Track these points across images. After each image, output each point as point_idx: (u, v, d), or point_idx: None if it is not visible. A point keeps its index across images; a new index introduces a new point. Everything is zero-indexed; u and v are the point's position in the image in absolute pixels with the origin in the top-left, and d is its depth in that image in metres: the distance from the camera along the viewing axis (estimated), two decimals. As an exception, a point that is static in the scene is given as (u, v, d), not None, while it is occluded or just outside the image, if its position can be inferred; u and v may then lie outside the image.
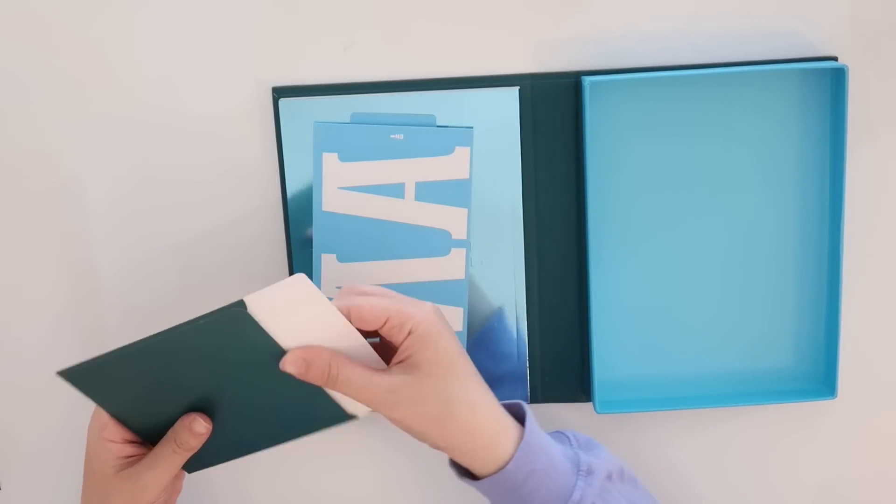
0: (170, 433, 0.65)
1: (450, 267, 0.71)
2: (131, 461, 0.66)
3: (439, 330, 0.62)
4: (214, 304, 0.76)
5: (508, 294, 0.73)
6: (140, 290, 0.76)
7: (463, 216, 0.70)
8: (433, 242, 0.71)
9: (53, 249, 0.75)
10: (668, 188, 0.73)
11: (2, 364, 0.78)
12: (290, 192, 0.72)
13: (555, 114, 0.72)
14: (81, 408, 0.79)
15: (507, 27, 0.71)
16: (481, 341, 0.74)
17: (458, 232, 0.71)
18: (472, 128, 0.70)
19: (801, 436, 0.78)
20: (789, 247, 0.74)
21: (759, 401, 0.75)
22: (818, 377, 0.75)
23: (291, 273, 0.74)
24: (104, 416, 0.66)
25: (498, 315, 0.74)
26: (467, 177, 0.70)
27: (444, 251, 0.71)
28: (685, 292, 0.74)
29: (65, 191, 0.74)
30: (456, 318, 0.72)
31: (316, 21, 0.72)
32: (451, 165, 0.70)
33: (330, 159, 0.70)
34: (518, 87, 0.71)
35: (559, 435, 0.70)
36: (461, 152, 0.70)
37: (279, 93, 0.72)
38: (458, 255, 0.71)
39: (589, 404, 0.77)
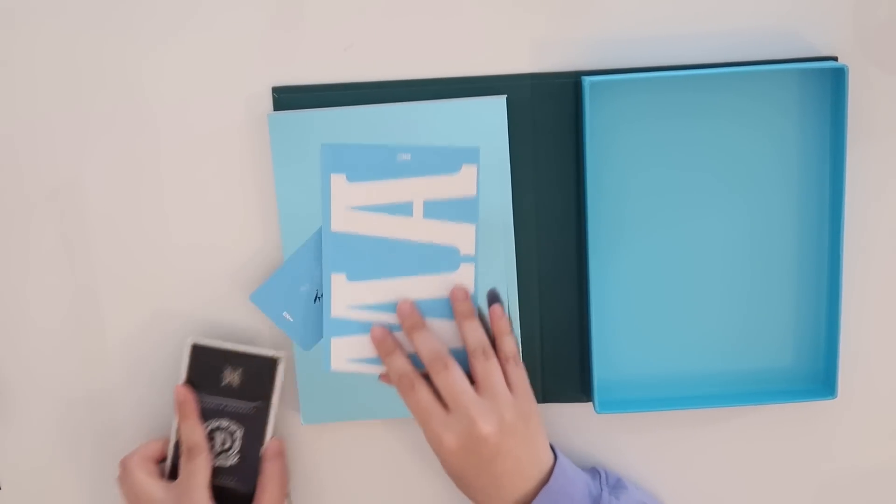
0: None
1: (459, 282, 0.72)
2: None
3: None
4: (213, 306, 0.76)
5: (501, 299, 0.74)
6: (139, 293, 0.76)
7: (471, 232, 0.71)
8: (442, 259, 0.71)
9: (52, 254, 0.75)
10: (667, 188, 0.73)
11: (1, 365, 0.78)
12: (280, 201, 0.73)
13: (555, 114, 0.72)
14: (80, 409, 0.79)
15: (506, 27, 0.71)
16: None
17: (467, 248, 0.71)
18: (478, 147, 0.70)
19: (801, 436, 0.78)
20: (789, 246, 0.74)
21: (759, 401, 0.75)
22: (818, 377, 0.75)
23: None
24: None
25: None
26: (474, 194, 0.70)
27: (453, 267, 0.71)
28: (685, 293, 0.74)
29: (64, 194, 0.74)
30: None
31: (316, 22, 0.72)
32: (459, 183, 0.70)
33: (338, 180, 0.70)
34: (505, 96, 0.71)
35: (592, 471, 0.75)
36: (468, 170, 0.70)
37: (279, 92, 0.72)
38: (467, 270, 0.72)
39: (589, 404, 0.77)
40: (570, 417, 0.77)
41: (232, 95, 0.73)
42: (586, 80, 0.69)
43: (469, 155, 0.70)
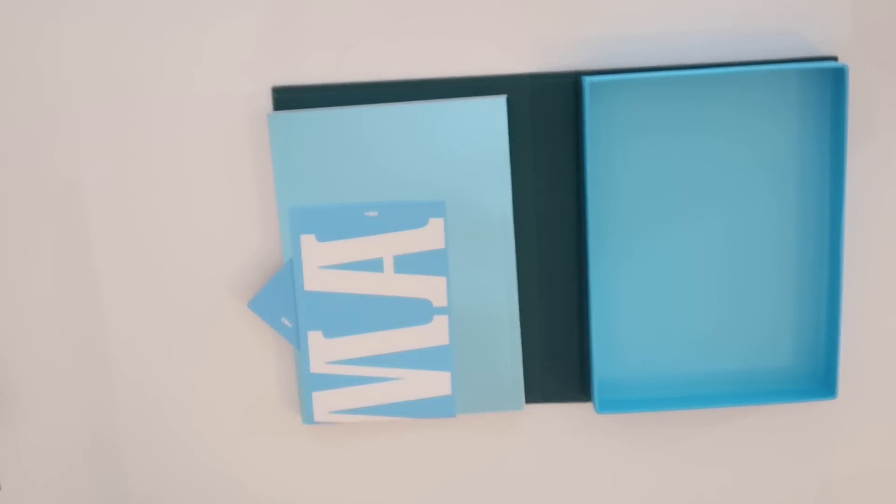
0: None
1: (433, 334, 0.74)
2: None
3: None
4: (213, 303, 0.76)
5: (501, 299, 0.74)
6: (139, 293, 0.76)
7: (442, 284, 0.73)
8: (415, 312, 0.73)
9: (52, 254, 0.75)
10: (667, 188, 0.73)
11: (1, 365, 0.78)
12: (280, 202, 0.73)
13: (555, 114, 0.72)
14: (81, 409, 0.79)
15: (506, 27, 0.71)
16: (473, 347, 0.74)
17: (439, 300, 0.73)
18: (443, 201, 0.72)
19: (801, 436, 0.78)
20: (789, 247, 0.74)
21: (759, 401, 0.75)
22: (818, 377, 0.75)
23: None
24: None
25: (490, 321, 0.74)
26: (443, 246, 0.72)
27: (426, 319, 0.73)
28: (685, 292, 0.74)
29: (64, 194, 0.74)
30: (443, 382, 0.74)
31: (316, 22, 0.72)
32: (427, 237, 0.72)
33: (308, 241, 0.72)
34: (505, 96, 0.71)
35: None
36: (435, 223, 0.72)
37: (279, 92, 0.72)
38: (440, 321, 0.73)
39: (589, 404, 0.77)
40: (570, 417, 0.78)
41: (232, 95, 0.73)
42: (586, 80, 0.69)
43: (435, 209, 0.71)
